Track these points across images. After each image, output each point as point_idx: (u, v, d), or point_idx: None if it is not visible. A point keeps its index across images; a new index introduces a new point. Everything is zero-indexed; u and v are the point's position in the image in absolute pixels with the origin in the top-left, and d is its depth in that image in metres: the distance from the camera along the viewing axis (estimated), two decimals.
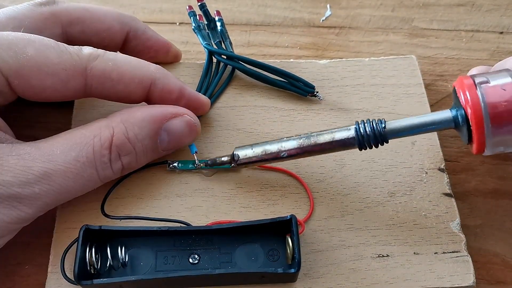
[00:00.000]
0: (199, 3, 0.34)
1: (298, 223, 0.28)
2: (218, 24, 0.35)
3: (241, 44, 0.39)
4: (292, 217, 0.26)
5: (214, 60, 0.34)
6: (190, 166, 0.30)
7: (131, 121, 0.27)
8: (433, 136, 0.32)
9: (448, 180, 0.30)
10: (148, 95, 0.29)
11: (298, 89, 0.33)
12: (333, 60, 0.35)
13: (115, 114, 0.28)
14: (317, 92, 0.33)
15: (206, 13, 0.34)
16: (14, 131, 0.28)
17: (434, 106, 0.35)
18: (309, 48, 0.38)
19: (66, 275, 0.26)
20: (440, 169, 0.31)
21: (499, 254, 0.30)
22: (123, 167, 0.28)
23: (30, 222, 0.26)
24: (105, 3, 0.41)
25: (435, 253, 0.28)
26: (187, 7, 0.35)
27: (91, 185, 0.27)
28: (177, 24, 0.40)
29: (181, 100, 0.29)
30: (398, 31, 0.39)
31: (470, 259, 0.28)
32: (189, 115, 0.29)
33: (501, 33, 0.39)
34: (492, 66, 0.34)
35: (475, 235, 0.30)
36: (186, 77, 0.34)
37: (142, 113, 0.28)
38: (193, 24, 0.35)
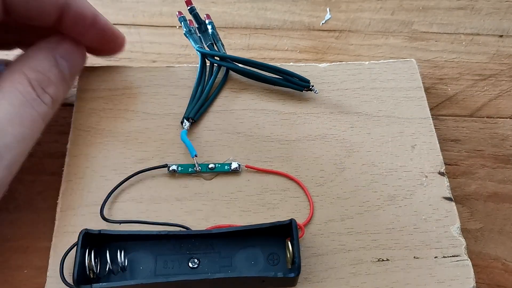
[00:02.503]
0: (188, 7, 0.34)
1: (298, 227, 0.28)
2: (209, 27, 0.35)
3: (241, 47, 0.39)
4: (292, 221, 0.26)
5: (208, 63, 0.34)
6: (190, 169, 0.30)
7: (30, 59, 0.28)
8: (433, 139, 0.32)
9: (448, 184, 0.30)
10: (61, 19, 0.29)
11: (294, 84, 0.33)
12: (333, 63, 0.35)
13: (14, 63, 0.29)
14: (312, 86, 0.33)
15: (196, 16, 0.34)
16: None
17: (434, 109, 0.35)
18: (309, 51, 0.38)
19: (65, 280, 0.26)
20: (440, 173, 0.31)
21: (499, 258, 0.30)
22: (52, 99, 0.28)
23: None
24: (105, 7, 0.41)
25: (435, 257, 0.28)
26: (177, 13, 0.35)
27: (37, 126, 0.28)
28: (177, 27, 0.40)
29: (95, 26, 0.30)
30: (397, 35, 0.39)
31: (470, 263, 0.28)
32: (70, 40, 0.30)
33: (501, 36, 0.39)
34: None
35: (475, 239, 0.30)
36: (185, 81, 0.34)
37: (33, 50, 0.29)
38: (184, 29, 0.35)
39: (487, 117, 0.35)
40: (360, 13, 0.41)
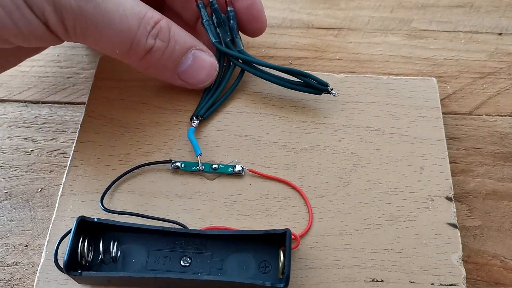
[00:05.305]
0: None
1: (294, 237, 0.27)
2: (231, 15, 0.33)
3: None
4: (287, 231, 0.26)
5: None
6: (193, 168, 0.30)
7: (175, 25, 0.30)
8: (444, 163, 0.31)
9: (455, 210, 0.29)
10: None
11: (312, 88, 0.32)
12: (350, 75, 0.34)
13: None
14: (331, 90, 0.32)
15: (216, 11, 0.32)
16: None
17: None
18: (308, 49, 0.38)
19: (58, 263, 0.26)
20: (447, 198, 0.30)
21: (498, 256, 0.30)
22: (152, 47, 0.29)
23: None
24: None
25: (431, 284, 0.27)
26: None
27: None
28: None
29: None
30: (397, 32, 0.39)
31: None
32: (214, 60, 0.32)
33: (500, 34, 0.39)
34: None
35: (474, 237, 0.30)
36: None
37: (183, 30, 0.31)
38: (203, 18, 0.32)
39: (486, 115, 0.35)
40: (359, 11, 0.41)
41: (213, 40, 0.32)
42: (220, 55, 0.33)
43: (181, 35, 0.30)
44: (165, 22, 0.29)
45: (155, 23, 0.29)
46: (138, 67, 0.31)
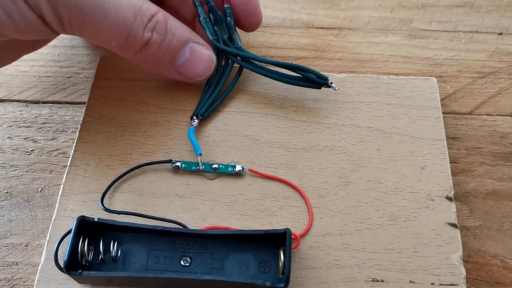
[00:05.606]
0: None
1: (294, 237, 0.27)
2: (228, 12, 0.33)
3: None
4: (287, 231, 0.26)
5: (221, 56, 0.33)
6: (193, 167, 0.30)
7: (172, 18, 0.30)
8: (445, 163, 0.31)
9: (455, 210, 0.29)
10: None
11: (312, 82, 0.32)
12: (350, 75, 0.34)
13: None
14: (331, 83, 0.32)
15: (212, 8, 0.32)
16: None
17: None
18: (308, 49, 0.38)
19: (58, 263, 0.27)
20: (448, 198, 0.30)
21: (498, 255, 0.30)
22: (149, 40, 0.29)
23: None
24: None
25: (431, 284, 0.27)
26: None
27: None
28: None
29: None
30: (397, 32, 0.39)
31: None
32: (212, 53, 0.32)
33: (500, 34, 0.39)
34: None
35: (475, 237, 0.30)
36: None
37: (180, 23, 0.31)
38: (200, 16, 0.33)
39: (486, 115, 0.35)
40: (359, 11, 0.41)
41: (211, 38, 0.32)
42: (218, 53, 0.33)
43: (178, 28, 0.30)
44: (161, 15, 0.29)
45: (151, 15, 0.29)
46: (135, 61, 0.31)
